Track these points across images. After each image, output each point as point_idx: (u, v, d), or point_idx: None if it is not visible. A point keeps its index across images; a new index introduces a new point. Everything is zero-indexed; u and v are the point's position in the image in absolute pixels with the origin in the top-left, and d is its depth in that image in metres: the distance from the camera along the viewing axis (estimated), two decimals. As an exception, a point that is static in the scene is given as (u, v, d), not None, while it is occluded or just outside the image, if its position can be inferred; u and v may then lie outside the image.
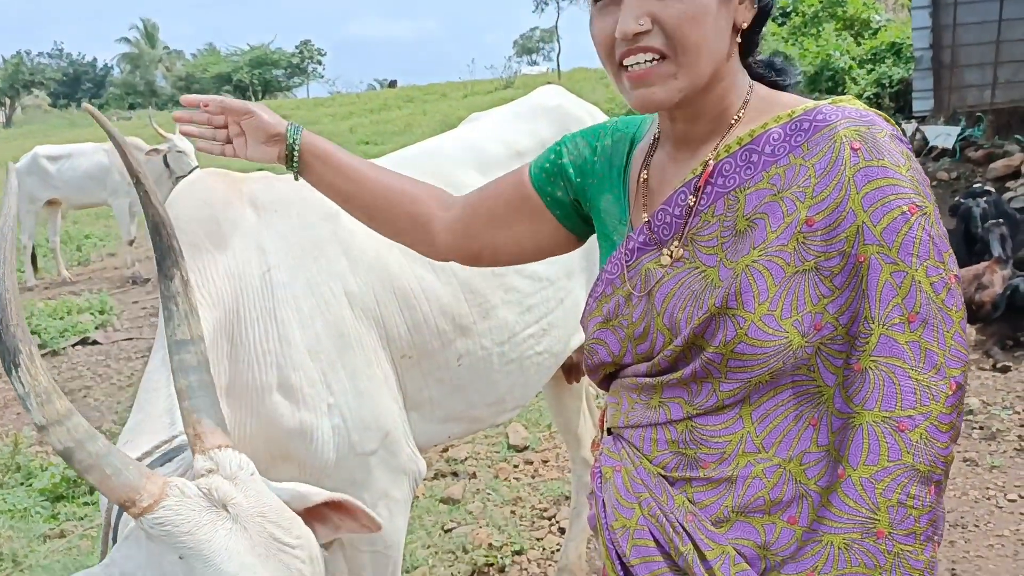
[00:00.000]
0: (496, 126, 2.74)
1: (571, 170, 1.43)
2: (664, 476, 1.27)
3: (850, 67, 12.48)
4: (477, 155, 2.58)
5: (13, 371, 1.20)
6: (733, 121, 1.25)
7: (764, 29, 1.28)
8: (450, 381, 2.37)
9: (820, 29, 13.65)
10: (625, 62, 1.19)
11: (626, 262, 1.31)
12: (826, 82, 12.88)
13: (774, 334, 1.13)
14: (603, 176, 1.41)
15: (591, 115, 2.84)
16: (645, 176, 1.34)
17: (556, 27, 45.83)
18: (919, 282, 1.09)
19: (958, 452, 4.11)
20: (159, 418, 1.70)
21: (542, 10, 42.46)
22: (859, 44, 13.08)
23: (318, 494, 1.48)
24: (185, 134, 1.63)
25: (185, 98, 1.57)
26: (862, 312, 1.11)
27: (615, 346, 1.33)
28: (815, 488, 1.15)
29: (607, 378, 1.41)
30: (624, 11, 1.17)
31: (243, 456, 1.37)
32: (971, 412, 4.47)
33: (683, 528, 1.22)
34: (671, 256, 1.26)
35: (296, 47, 56.15)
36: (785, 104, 1.24)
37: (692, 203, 1.24)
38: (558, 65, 38.53)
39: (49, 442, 1.24)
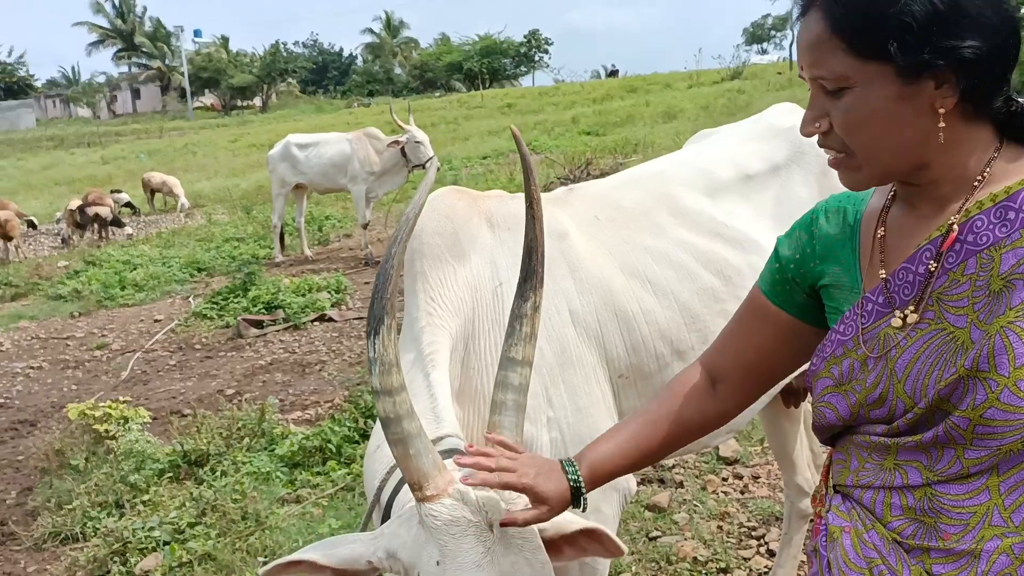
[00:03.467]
0: (725, 147, 2.71)
1: (792, 266, 1.40)
2: (899, 543, 1.22)
3: None
4: (706, 178, 2.57)
5: (372, 336, 1.33)
6: (977, 182, 1.19)
7: (1007, 82, 1.18)
8: None
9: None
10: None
11: (862, 324, 1.26)
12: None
13: None
14: (828, 251, 1.36)
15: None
16: (882, 233, 1.30)
17: (790, 14, 43.84)
18: None
19: None
20: (423, 415, 1.78)
21: (776, -4, 40.76)
22: None
23: (577, 523, 1.54)
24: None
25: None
26: None
27: (844, 411, 1.29)
28: None
29: (835, 435, 1.38)
30: (807, 111, 1.23)
31: None
32: None
33: None
34: (903, 320, 1.21)
35: (524, 36, 57.46)
36: None
37: (934, 267, 1.20)
38: (790, 55, 36.91)
39: (375, 407, 1.38)
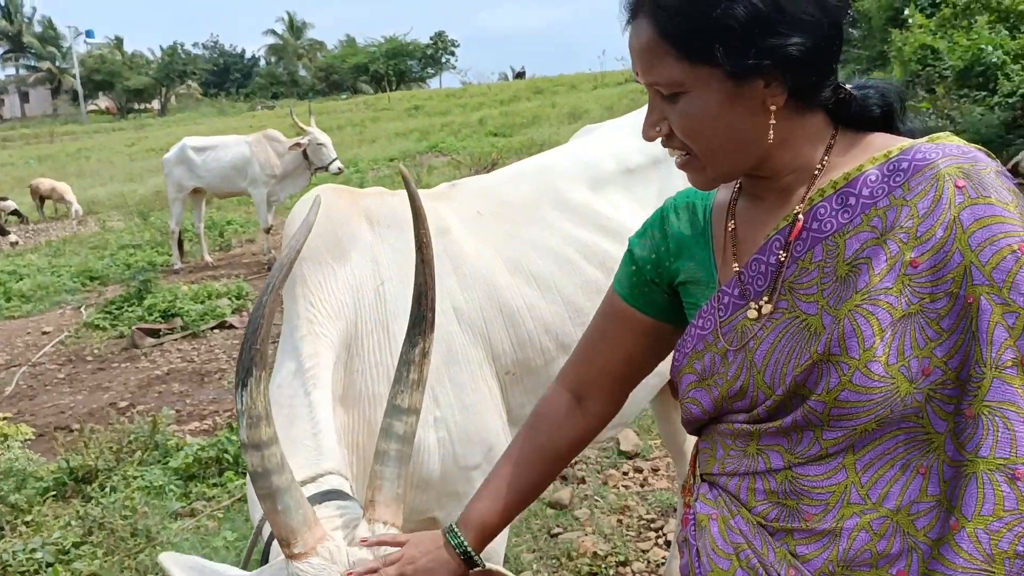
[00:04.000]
0: (608, 142, 2.73)
1: (648, 267, 1.39)
2: (763, 526, 1.24)
3: (1003, 63, 11.66)
4: (589, 172, 2.58)
5: (240, 388, 1.27)
6: (818, 170, 1.22)
7: (833, 73, 1.20)
8: None
9: (972, 21, 12.80)
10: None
11: (720, 318, 1.27)
12: (976, 78, 12.09)
13: (880, 380, 1.10)
14: (681, 249, 1.37)
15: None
16: (733, 226, 1.31)
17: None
18: None
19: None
20: (303, 442, 1.74)
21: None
22: (1015, 38, 12.20)
23: None
24: None
25: None
26: (973, 355, 1.07)
27: (708, 404, 1.30)
28: (924, 540, 1.11)
29: (701, 426, 1.39)
30: (647, 116, 1.24)
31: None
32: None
33: None
34: (759, 311, 1.23)
35: (431, 38, 57.28)
36: (876, 145, 1.21)
37: (783, 257, 1.22)
38: (691, 56, 37.74)
39: (244, 460, 1.33)
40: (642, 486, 4.14)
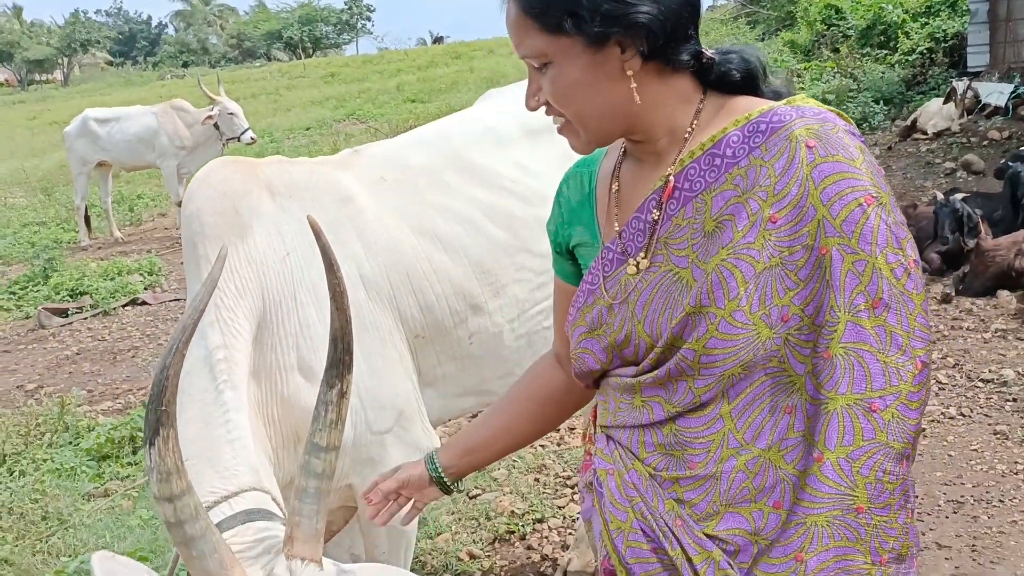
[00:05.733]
0: (510, 104, 2.74)
1: (554, 239, 1.50)
2: (654, 476, 1.32)
3: (903, 21, 12.05)
4: (492, 135, 2.60)
5: (148, 446, 1.25)
6: (688, 132, 1.29)
7: (690, 40, 1.26)
8: (463, 358, 2.42)
9: (875, -19, 13.19)
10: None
11: (604, 272, 1.35)
12: (878, 36, 12.46)
13: (743, 327, 1.19)
14: (572, 214, 1.45)
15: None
16: (616, 187, 1.38)
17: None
18: (879, 269, 1.16)
19: (989, 424, 4.06)
20: (219, 451, 1.73)
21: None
22: (914, -4, 12.62)
23: None
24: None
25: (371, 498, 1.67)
26: (827, 302, 1.17)
27: (601, 354, 1.37)
28: (793, 472, 1.21)
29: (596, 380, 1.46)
30: (527, 87, 1.32)
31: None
32: (1005, 384, 4.40)
33: (672, 533, 1.28)
34: (637, 267, 1.30)
35: (345, 3, 56.04)
36: (740, 108, 1.28)
37: (657, 215, 1.29)
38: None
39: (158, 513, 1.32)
40: (559, 445, 4.23)
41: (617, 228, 1.35)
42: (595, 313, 1.36)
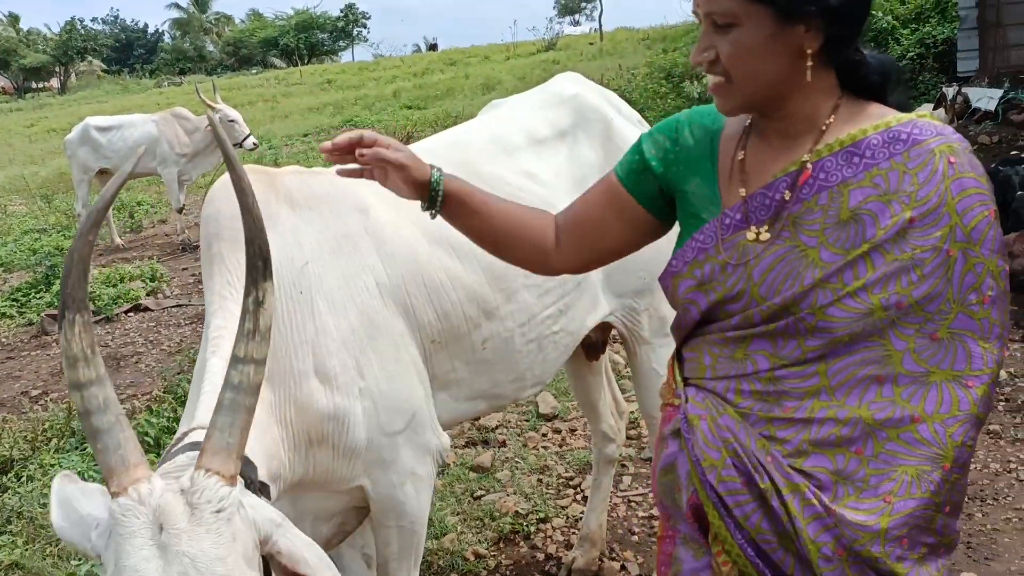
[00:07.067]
0: (515, 115, 2.81)
1: (654, 163, 1.60)
2: (747, 415, 1.48)
3: (893, 27, 12.13)
4: (499, 145, 2.66)
5: (60, 331, 1.32)
6: (825, 125, 1.43)
7: (856, 40, 1.40)
8: (476, 362, 2.49)
9: (867, -12, 13.25)
10: (705, 75, 1.45)
11: (722, 235, 1.49)
12: (868, 43, 12.49)
13: (862, 303, 1.37)
14: (690, 161, 1.57)
15: (608, 101, 2.89)
16: (742, 156, 1.52)
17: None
18: (992, 271, 1.35)
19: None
20: (192, 401, 1.84)
21: (586, -31, 41.83)
22: (903, 3, 12.69)
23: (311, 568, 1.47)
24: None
25: (339, 141, 1.64)
26: (944, 295, 1.35)
27: (705, 306, 1.52)
28: (879, 427, 1.39)
29: (688, 335, 1.60)
30: (698, 43, 1.43)
31: (229, 491, 1.39)
32: (998, 384, 4.46)
33: (763, 467, 1.44)
34: (757, 237, 1.45)
35: (341, 11, 56.17)
36: (875, 114, 1.43)
37: (788, 196, 1.43)
38: (600, 26, 38.10)
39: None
40: (560, 446, 4.29)
41: (743, 194, 1.48)
42: (707, 269, 1.50)
